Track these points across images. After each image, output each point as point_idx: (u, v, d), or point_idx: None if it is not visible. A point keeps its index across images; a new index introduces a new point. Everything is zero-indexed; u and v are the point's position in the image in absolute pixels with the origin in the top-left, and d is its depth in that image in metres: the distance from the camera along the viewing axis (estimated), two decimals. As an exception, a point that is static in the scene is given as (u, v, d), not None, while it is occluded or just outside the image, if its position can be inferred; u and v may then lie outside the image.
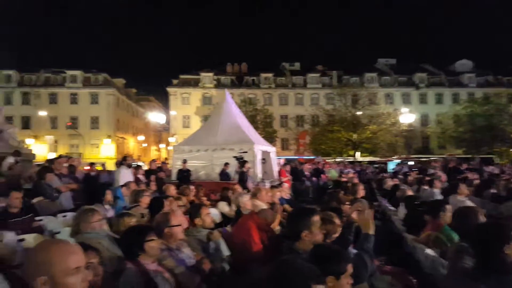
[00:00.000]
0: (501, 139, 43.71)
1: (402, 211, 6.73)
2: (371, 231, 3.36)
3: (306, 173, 18.87)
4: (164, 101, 65.66)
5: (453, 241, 3.99)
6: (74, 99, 53.15)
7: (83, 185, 9.67)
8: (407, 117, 37.24)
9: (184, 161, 13.95)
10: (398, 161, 34.94)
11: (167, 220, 3.63)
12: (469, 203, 6.31)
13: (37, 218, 6.03)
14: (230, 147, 14.18)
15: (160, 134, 71.62)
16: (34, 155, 15.66)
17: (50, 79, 53.53)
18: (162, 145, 54.82)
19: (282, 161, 19.25)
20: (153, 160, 15.10)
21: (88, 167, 14.67)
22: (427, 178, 10.26)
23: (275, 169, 16.55)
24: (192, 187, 8.29)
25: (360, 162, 39.87)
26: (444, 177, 12.04)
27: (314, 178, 19.11)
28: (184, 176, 13.18)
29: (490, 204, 7.63)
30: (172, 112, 53.81)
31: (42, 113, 48.35)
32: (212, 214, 5.22)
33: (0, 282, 3.15)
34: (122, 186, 8.31)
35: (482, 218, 3.86)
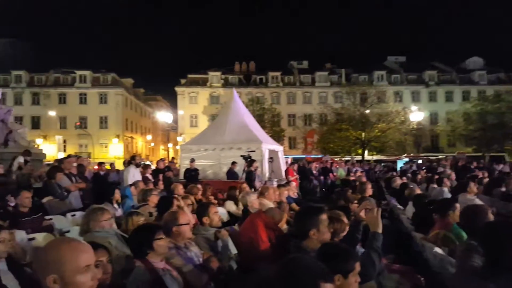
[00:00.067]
0: (512, 137, 43.30)
1: (410, 209, 6.70)
2: (379, 230, 3.35)
3: (314, 172, 18.87)
4: (172, 101, 65.93)
5: (462, 240, 3.97)
6: (83, 99, 53.52)
7: (92, 185, 9.74)
8: (417, 115, 37.00)
9: (192, 160, 13.98)
10: (407, 159, 34.78)
11: (175, 219, 3.65)
12: (478, 202, 6.28)
13: (46, 217, 6.08)
14: (238, 146, 14.18)
15: (168, 133, 71.63)
16: (44, 154, 15.80)
17: (60, 80, 53.98)
18: (170, 145, 54.92)
19: (289, 160, 19.25)
20: (161, 160, 15.16)
21: (97, 167, 14.75)
22: (436, 177, 10.20)
23: (283, 168, 16.54)
24: (199, 186, 8.31)
25: (368, 160, 39.76)
26: (453, 175, 11.96)
27: (321, 177, 19.10)
28: (192, 175, 13.21)
29: (500, 203, 7.57)
30: (180, 112, 53.98)
31: (52, 113, 48.82)
32: (220, 213, 5.24)
33: (10, 280, 3.19)
34: (131, 185, 8.35)
35: (491, 216, 3.84)
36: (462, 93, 53.31)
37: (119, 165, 20.14)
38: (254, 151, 13.63)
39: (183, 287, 3.16)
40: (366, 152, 44.47)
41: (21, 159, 10.75)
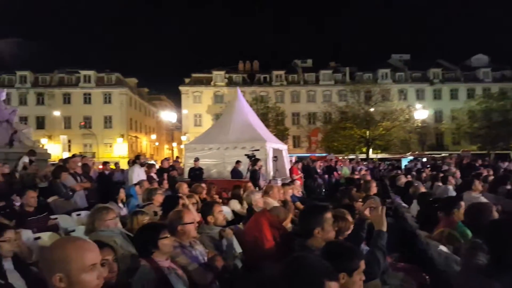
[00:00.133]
0: (517, 135, 43.08)
1: (415, 208, 6.69)
2: (384, 228, 3.35)
3: (318, 170, 18.85)
4: (176, 100, 66.01)
5: (467, 238, 3.97)
6: (87, 99, 53.68)
7: (97, 184, 9.78)
8: (421, 113, 36.89)
9: (196, 160, 13.98)
10: (412, 157, 34.69)
11: (180, 218, 3.66)
12: (483, 200, 6.25)
13: (52, 216, 6.12)
14: (242, 145, 14.18)
15: (172, 132, 71.91)
16: (49, 154, 15.88)
17: (64, 80, 54.18)
18: (174, 144, 55.12)
19: (293, 159, 19.23)
20: (166, 159, 15.19)
21: (102, 166, 14.80)
22: (441, 175, 10.17)
23: (287, 167, 16.53)
24: (204, 185, 8.32)
25: (373, 159, 39.70)
26: (458, 173, 11.92)
27: (326, 176, 19.08)
28: (196, 174, 13.22)
29: (505, 201, 7.54)
30: (184, 111, 54.01)
31: (56, 113, 49.00)
32: (224, 212, 5.25)
33: (16, 279, 3.22)
34: (135, 184, 8.38)
35: (496, 214, 3.83)
36: (467, 90, 53.02)
37: (124, 165, 20.17)
38: (258, 150, 13.62)
39: (188, 285, 3.17)
40: (370, 150, 44.39)
41: (26, 159, 10.81)
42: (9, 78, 52.45)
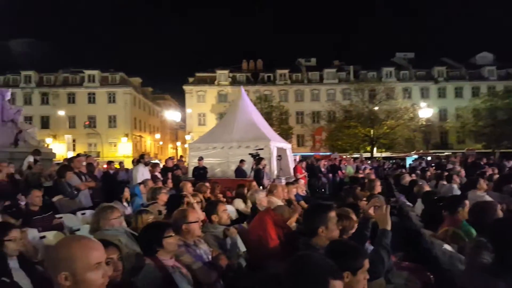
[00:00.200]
0: (523, 133, 42.83)
1: (419, 207, 6.67)
2: (388, 227, 3.35)
3: (323, 169, 18.83)
4: (180, 99, 66.22)
5: (472, 237, 3.95)
6: (91, 99, 53.90)
7: (101, 183, 9.81)
8: (426, 111, 36.76)
9: (200, 159, 13.99)
10: (416, 156, 34.58)
11: (185, 217, 3.67)
12: (488, 199, 6.23)
13: (57, 215, 6.14)
14: (246, 144, 14.18)
15: (176, 132, 72.08)
16: (54, 154, 15.93)
17: (68, 79, 54.41)
18: (178, 143, 55.25)
19: (297, 158, 19.23)
20: (170, 158, 15.21)
21: (106, 166, 14.85)
22: (446, 174, 10.14)
23: (291, 166, 16.53)
24: (207, 184, 8.34)
25: (377, 158, 39.61)
26: (463, 172, 11.88)
27: (330, 175, 19.06)
28: (200, 173, 13.23)
29: (510, 199, 7.50)
30: (188, 110, 54.11)
31: (61, 112, 49.22)
32: (228, 211, 5.25)
33: (22, 278, 3.23)
34: (140, 183, 8.40)
35: (500, 213, 3.82)
36: (471, 89, 52.85)
37: (128, 164, 20.27)
38: (262, 149, 13.62)
39: (193, 284, 3.18)
40: (375, 149, 44.30)
41: (30, 159, 10.85)
42: (14, 78, 52.71)
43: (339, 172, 19.50)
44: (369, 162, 29.49)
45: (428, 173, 12.78)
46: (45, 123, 51.97)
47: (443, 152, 40.88)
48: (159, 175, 11.10)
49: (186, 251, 3.51)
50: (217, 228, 4.36)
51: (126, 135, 53.47)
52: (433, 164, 19.67)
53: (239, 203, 7.68)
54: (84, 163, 9.80)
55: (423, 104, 40.80)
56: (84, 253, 1.75)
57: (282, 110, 49.28)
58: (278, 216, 4.77)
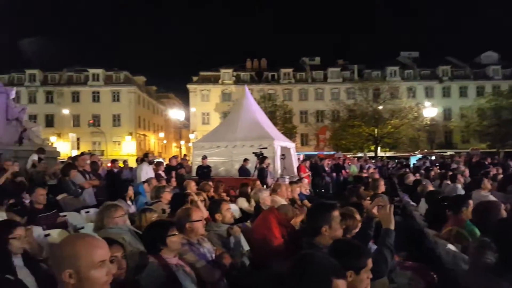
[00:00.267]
0: (528, 133, 42.62)
1: (423, 206, 6.66)
2: (392, 227, 3.34)
3: (326, 168, 18.82)
4: (184, 98, 66.25)
5: (475, 237, 3.95)
6: (96, 97, 54.04)
7: (105, 182, 9.84)
8: (430, 111, 36.64)
9: (204, 158, 14.01)
10: (420, 156, 34.48)
11: (188, 215, 3.68)
12: (492, 198, 6.21)
13: (61, 214, 6.17)
14: (250, 143, 14.18)
15: (180, 131, 72.07)
16: (58, 152, 15.98)
17: (73, 78, 54.53)
18: (182, 142, 55.22)
19: (301, 157, 19.21)
20: (174, 157, 15.23)
21: (110, 164, 14.87)
22: (450, 173, 10.12)
23: (295, 165, 16.52)
24: (211, 183, 8.35)
25: (381, 157, 39.52)
26: (467, 172, 11.85)
27: (334, 174, 19.05)
28: (204, 172, 13.25)
29: (515, 199, 7.48)
30: (192, 109, 54.18)
31: (65, 111, 49.34)
32: (232, 210, 5.26)
33: (26, 276, 3.25)
34: (144, 182, 8.42)
35: (504, 213, 3.81)
36: (476, 88, 52.62)
37: (132, 163, 20.31)
38: (266, 148, 13.61)
39: (196, 282, 3.19)
40: (379, 148, 44.21)
41: (35, 157, 10.88)
42: (18, 77, 52.89)
43: (343, 171, 19.48)
44: (373, 161, 29.43)
45: (432, 173, 12.74)
46: (49, 121, 52.16)
47: (448, 152, 40.74)
48: (163, 174, 11.12)
49: (189, 250, 3.52)
50: (221, 227, 4.37)
51: (130, 134, 53.59)
52: (437, 164, 19.62)
53: (242, 202, 7.70)
54: (88, 162, 9.85)
55: (427, 103, 40.65)
56: (89, 251, 1.76)
57: (286, 109, 49.23)
58: (282, 215, 4.78)
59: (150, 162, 11.05)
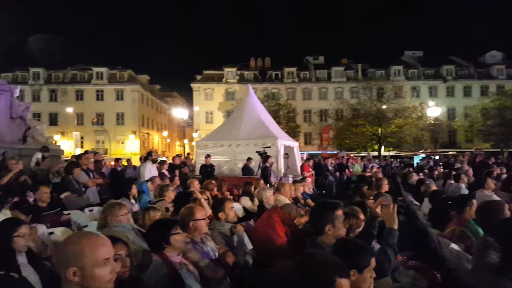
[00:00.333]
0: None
1: (426, 206, 6.65)
2: (395, 226, 3.34)
3: (330, 168, 18.80)
4: (187, 97, 66.29)
5: (479, 236, 3.94)
6: (99, 96, 54.13)
7: (109, 180, 9.86)
8: (434, 110, 36.50)
9: (207, 156, 14.01)
10: (424, 155, 34.43)
11: (192, 214, 3.69)
12: (496, 198, 6.19)
13: (65, 212, 6.19)
14: (253, 142, 14.18)
15: (183, 129, 72.29)
16: (62, 150, 16.05)
17: (77, 76, 54.63)
18: (185, 141, 55.41)
19: (305, 156, 19.19)
20: (177, 156, 15.25)
21: (114, 163, 14.91)
22: (454, 173, 10.10)
23: (298, 164, 16.51)
24: (214, 182, 8.36)
25: (385, 156, 39.46)
26: (471, 171, 11.82)
27: (337, 173, 19.03)
28: (208, 171, 13.26)
29: (519, 199, 7.46)
30: (196, 108, 54.19)
31: (69, 109, 49.43)
32: (235, 208, 5.27)
33: (30, 273, 3.27)
34: (147, 181, 8.44)
35: (508, 213, 3.80)
36: (480, 88, 52.41)
37: (136, 161, 20.33)
38: (269, 147, 13.62)
39: (200, 281, 3.20)
40: (382, 148, 44.09)
41: (39, 155, 10.91)
42: (22, 75, 53.03)
43: (346, 170, 19.47)
44: (376, 160, 29.43)
45: (436, 172, 12.73)
46: (53, 120, 52.24)
47: (451, 151, 40.66)
48: (166, 173, 11.14)
49: (193, 248, 3.53)
50: (224, 226, 4.38)
51: (134, 133, 53.68)
52: (440, 163, 19.57)
53: (246, 201, 7.70)
54: (92, 160, 9.88)
55: (431, 102, 40.50)
56: (93, 249, 1.77)
57: (290, 108, 49.15)
58: (286, 214, 4.79)
59: (154, 161, 11.06)
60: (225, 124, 18.21)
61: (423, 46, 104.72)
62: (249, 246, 4.33)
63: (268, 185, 9.72)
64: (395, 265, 3.54)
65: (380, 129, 43.05)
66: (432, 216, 5.82)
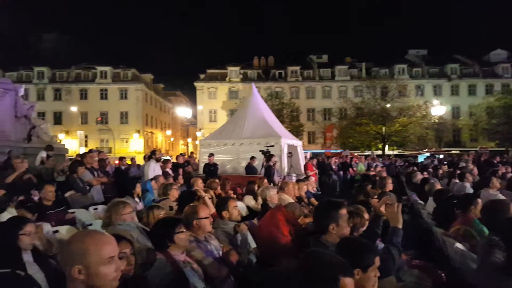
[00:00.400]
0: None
1: (431, 205, 6.63)
2: (400, 225, 3.34)
3: (333, 167, 18.78)
4: (191, 96, 66.35)
5: (484, 235, 3.93)
6: (103, 95, 54.24)
7: (113, 179, 9.89)
8: (438, 109, 36.40)
9: (211, 155, 14.03)
10: (428, 154, 34.34)
11: (196, 213, 3.70)
12: (501, 197, 6.17)
13: (69, 210, 6.21)
14: (257, 141, 14.19)
15: (187, 128, 72.24)
16: (66, 149, 16.09)
17: (81, 75, 54.75)
18: (189, 140, 55.46)
19: (308, 155, 19.18)
20: (181, 154, 15.27)
21: (118, 162, 14.95)
22: (458, 172, 10.07)
23: (302, 163, 16.50)
24: (218, 180, 8.36)
25: (389, 155, 39.37)
26: (475, 170, 11.78)
27: (341, 172, 19.00)
28: (211, 170, 13.28)
29: (524, 198, 7.43)
30: (199, 107, 54.25)
31: (73, 108, 49.57)
32: (239, 207, 5.27)
33: (35, 271, 3.28)
34: (151, 179, 8.46)
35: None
36: (485, 86, 52.16)
37: (140, 160, 20.37)
38: (273, 146, 13.62)
39: (203, 279, 3.20)
40: (386, 146, 43.99)
41: (43, 154, 10.95)
42: (27, 74, 53.22)
43: (350, 169, 19.45)
44: (380, 159, 29.35)
45: (440, 171, 12.70)
46: (57, 118, 52.40)
47: (452, 150, 40.53)
48: (170, 171, 11.15)
49: (197, 247, 3.54)
50: (228, 224, 4.38)
51: (138, 131, 53.78)
52: (445, 162, 19.49)
53: (249, 200, 7.71)
54: (97, 159, 9.91)
55: (435, 101, 40.40)
56: (98, 247, 1.78)
57: (293, 107, 49.05)
58: (290, 213, 4.79)
59: (158, 160, 11.09)
60: (228, 123, 18.22)
61: (427, 45, 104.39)
62: (253, 244, 4.33)
63: (271, 184, 9.72)
64: (399, 264, 3.53)
65: (384, 128, 42.92)
66: (437, 215, 5.80)
